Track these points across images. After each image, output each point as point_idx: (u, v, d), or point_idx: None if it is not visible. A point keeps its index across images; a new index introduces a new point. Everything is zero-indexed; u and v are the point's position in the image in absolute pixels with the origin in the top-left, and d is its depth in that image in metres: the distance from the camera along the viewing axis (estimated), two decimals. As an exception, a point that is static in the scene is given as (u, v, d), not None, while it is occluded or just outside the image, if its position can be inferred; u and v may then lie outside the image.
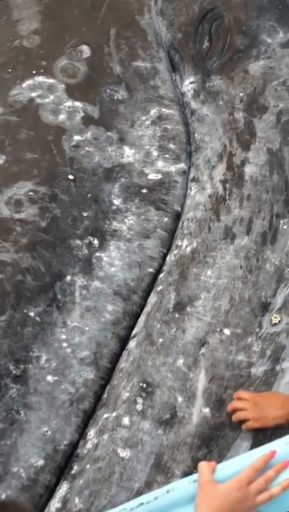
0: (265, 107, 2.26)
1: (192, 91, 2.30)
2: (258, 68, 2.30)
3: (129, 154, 2.22)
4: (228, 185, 2.19)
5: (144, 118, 2.27)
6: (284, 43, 2.33)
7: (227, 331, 2.05)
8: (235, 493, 1.54)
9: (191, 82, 2.31)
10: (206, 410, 1.96)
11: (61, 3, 2.46)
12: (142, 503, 1.62)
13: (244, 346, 2.03)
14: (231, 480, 1.56)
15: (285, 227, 2.15)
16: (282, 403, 1.89)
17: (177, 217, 2.20)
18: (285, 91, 2.27)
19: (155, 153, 2.24)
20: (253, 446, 1.90)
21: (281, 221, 2.15)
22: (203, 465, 1.63)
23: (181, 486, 1.63)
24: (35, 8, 2.45)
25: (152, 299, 2.10)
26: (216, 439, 1.92)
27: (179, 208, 2.20)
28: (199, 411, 1.96)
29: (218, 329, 2.04)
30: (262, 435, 1.94)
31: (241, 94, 2.28)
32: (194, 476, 1.63)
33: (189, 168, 2.24)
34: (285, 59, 2.30)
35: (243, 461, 1.64)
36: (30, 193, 2.15)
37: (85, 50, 2.36)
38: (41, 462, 1.87)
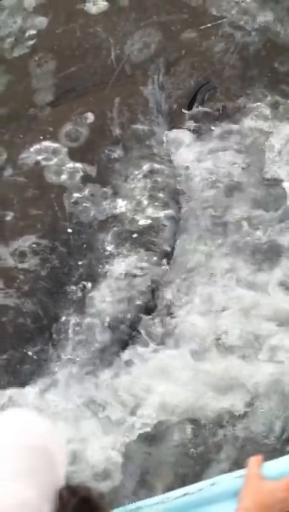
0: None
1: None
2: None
3: (121, 205, 2.45)
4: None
5: (136, 172, 2.49)
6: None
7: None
8: (281, 493, 1.51)
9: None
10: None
11: (75, 77, 2.70)
12: (186, 494, 1.64)
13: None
14: (280, 480, 1.54)
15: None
16: None
17: (166, 255, 2.41)
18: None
19: (145, 202, 2.46)
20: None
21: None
22: (252, 459, 1.60)
23: (227, 480, 1.64)
24: (52, 81, 2.72)
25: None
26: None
27: (167, 248, 2.42)
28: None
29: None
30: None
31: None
32: (240, 472, 1.63)
33: (177, 214, 2.46)
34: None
35: None
36: (34, 246, 2.41)
37: (90, 117, 2.59)
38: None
